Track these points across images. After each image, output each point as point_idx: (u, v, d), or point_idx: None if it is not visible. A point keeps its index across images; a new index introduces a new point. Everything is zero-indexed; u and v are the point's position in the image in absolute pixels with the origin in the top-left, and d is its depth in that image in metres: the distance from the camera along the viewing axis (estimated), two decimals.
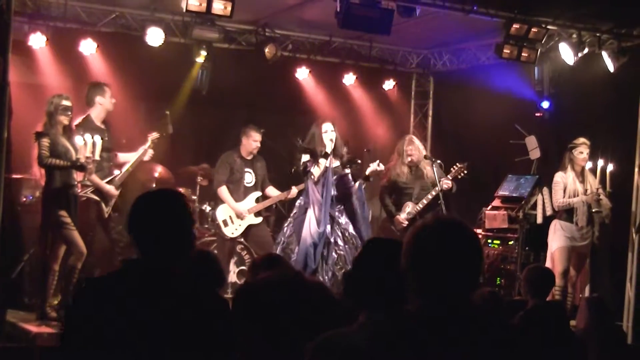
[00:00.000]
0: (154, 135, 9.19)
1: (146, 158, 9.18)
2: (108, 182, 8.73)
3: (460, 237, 2.75)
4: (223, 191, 9.89)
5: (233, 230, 9.84)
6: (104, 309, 3.00)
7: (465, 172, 9.43)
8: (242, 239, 9.93)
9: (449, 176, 9.40)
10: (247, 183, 9.99)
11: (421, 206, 9.41)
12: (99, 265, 8.59)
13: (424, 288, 2.72)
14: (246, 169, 9.97)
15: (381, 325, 2.96)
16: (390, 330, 2.95)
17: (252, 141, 9.96)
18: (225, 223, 9.84)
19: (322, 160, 9.03)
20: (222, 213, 9.87)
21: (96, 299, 3.05)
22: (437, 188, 9.23)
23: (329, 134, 9.14)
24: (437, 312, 2.69)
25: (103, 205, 8.66)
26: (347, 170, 9.30)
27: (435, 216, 2.91)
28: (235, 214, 9.85)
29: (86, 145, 7.89)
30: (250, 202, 9.94)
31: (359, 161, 9.49)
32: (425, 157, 9.61)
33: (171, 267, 3.13)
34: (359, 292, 3.08)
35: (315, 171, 9.03)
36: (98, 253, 8.72)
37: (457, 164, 9.48)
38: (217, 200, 10.01)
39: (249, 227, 9.93)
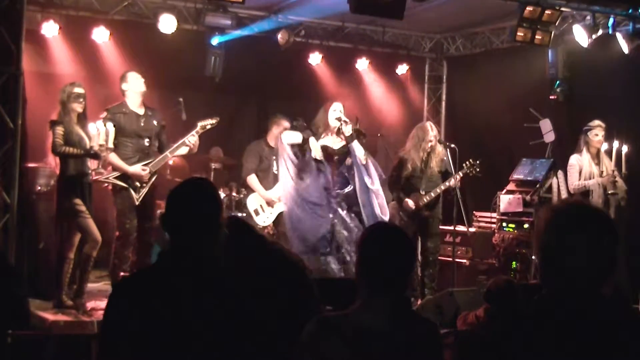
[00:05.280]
0: (206, 122, 8.53)
1: (189, 143, 8.39)
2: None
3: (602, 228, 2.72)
4: (252, 179, 9.84)
5: (265, 218, 9.73)
6: (141, 304, 3.00)
7: (478, 169, 9.12)
8: (272, 228, 9.77)
9: (460, 172, 9.08)
10: (275, 171, 9.92)
11: (428, 198, 9.11)
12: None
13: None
14: (274, 157, 9.91)
15: (387, 307, 2.97)
16: (398, 313, 2.96)
17: (283, 129, 9.92)
18: (256, 212, 9.74)
19: (312, 140, 8.57)
20: (253, 202, 9.81)
21: (133, 295, 3.05)
22: (451, 181, 9.00)
23: (336, 113, 8.83)
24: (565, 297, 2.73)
25: (132, 192, 8.20)
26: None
27: (570, 202, 2.89)
28: (265, 202, 9.80)
29: (99, 133, 7.89)
30: (280, 189, 9.86)
31: (364, 134, 9.05)
32: (440, 141, 9.40)
33: (204, 256, 3.12)
34: (359, 274, 3.10)
35: (314, 149, 8.63)
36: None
37: (470, 160, 9.17)
38: (247, 189, 9.92)
39: (279, 216, 9.81)
